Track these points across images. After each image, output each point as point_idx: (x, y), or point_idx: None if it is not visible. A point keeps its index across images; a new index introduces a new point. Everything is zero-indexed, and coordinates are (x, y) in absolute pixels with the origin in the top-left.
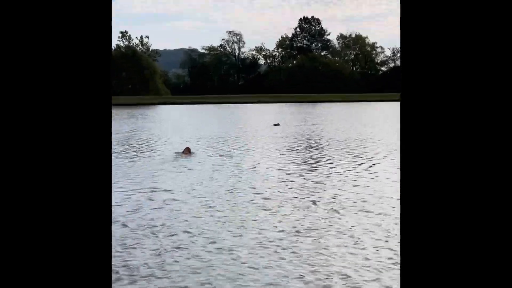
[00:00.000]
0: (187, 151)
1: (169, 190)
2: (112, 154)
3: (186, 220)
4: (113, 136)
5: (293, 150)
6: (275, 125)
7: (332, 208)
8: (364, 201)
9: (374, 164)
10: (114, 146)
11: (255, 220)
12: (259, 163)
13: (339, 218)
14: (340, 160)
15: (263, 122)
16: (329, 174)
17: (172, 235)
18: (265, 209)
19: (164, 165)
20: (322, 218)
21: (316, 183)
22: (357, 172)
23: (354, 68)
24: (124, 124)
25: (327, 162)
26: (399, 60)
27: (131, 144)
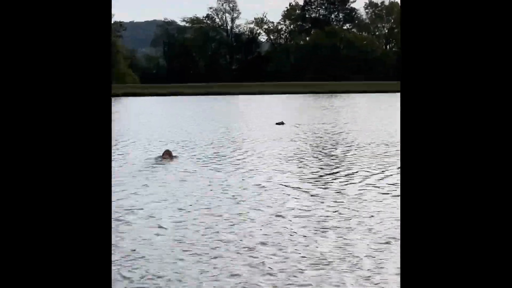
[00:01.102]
0: (167, 155)
1: (138, 209)
2: None
3: (156, 250)
4: None
5: (301, 158)
6: (278, 124)
7: (344, 237)
8: (385, 226)
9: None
10: None
11: (245, 254)
12: (255, 174)
13: (354, 250)
14: (363, 172)
15: (263, 120)
16: (347, 190)
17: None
18: (260, 242)
19: (140, 173)
20: (332, 251)
21: (328, 202)
22: (384, 187)
23: (387, 47)
24: None
25: (346, 174)
26: None
27: None
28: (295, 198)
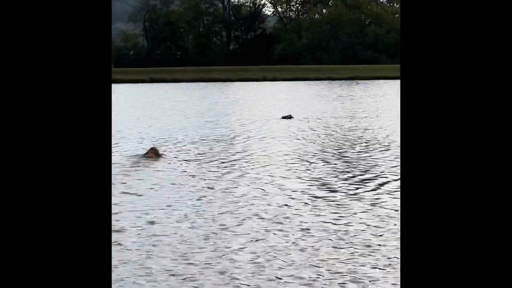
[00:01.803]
0: (153, 154)
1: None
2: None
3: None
4: None
5: (311, 159)
6: (284, 117)
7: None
8: None
9: None
10: None
11: None
12: (254, 178)
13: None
14: (386, 177)
15: (266, 113)
16: (365, 197)
17: None
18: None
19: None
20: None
21: (340, 213)
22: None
23: None
24: None
25: (364, 179)
26: None
27: None
28: (293, 194)
